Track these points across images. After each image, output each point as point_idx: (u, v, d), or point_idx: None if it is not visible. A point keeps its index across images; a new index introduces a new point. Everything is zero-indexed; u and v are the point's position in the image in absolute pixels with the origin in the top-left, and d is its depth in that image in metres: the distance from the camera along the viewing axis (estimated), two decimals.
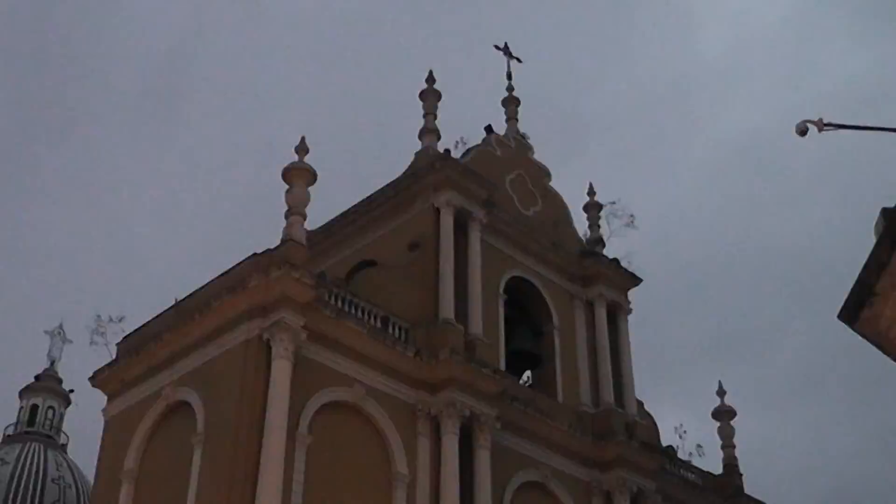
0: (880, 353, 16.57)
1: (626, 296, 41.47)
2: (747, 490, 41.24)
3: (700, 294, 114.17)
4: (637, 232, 43.71)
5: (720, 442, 42.60)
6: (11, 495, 60.77)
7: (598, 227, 42.88)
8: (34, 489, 61.29)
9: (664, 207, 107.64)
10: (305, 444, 29.03)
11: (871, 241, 15.26)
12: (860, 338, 16.52)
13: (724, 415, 42.97)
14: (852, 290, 15.63)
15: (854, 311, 15.84)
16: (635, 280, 41.76)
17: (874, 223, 15.31)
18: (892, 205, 14.55)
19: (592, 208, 43.45)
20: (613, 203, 43.05)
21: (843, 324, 16.35)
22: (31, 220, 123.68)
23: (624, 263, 41.46)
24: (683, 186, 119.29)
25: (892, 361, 16.32)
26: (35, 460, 62.90)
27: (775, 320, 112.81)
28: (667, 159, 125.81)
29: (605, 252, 41.60)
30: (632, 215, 42.45)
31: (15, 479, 61.44)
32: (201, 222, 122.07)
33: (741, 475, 41.62)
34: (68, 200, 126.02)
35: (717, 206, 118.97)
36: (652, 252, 70.52)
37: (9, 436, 65.72)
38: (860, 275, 15.31)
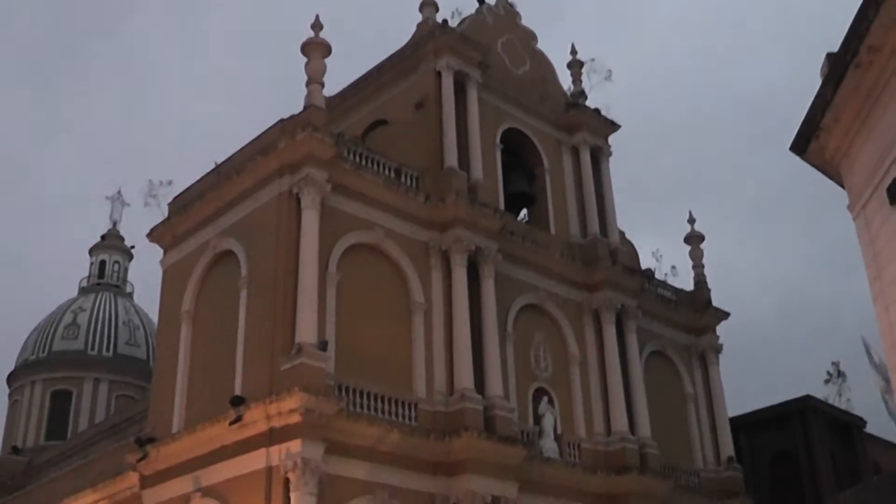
0: (827, 179, 16.60)
1: (607, 140, 41.16)
2: (714, 303, 41.74)
3: (673, 136, 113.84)
4: (614, 85, 43.08)
5: (691, 263, 42.89)
6: (90, 337, 62.09)
7: (580, 82, 42.21)
8: (109, 331, 62.54)
9: (638, 63, 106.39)
10: (335, 280, 29.32)
11: (819, 83, 15.11)
12: (810, 167, 16.53)
13: (694, 239, 43.21)
14: (801, 125, 15.57)
15: (803, 144, 15.82)
16: (614, 126, 41.39)
17: (820, 67, 15.14)
18: (835, 51, 14.36)
19: (574, 66, 42.73)
20: (593, 60, 42.33)
21: (795, 155, 16.34)
22: (90, 103, 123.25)
23: (604, 113, 41.05)
24: (655, 44, 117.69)
25: (838, 186, 16.34)
26: (107, 307, 63.93)
27: (738, 156, 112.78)
28: (640, 20, 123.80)
29: (587, 103, 41.11)
30: (609, 70, 41.81)
31: (92, 324, 62.69)
32: (235, 94, 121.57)
33: (709, 291, 42.03)
34: (121, 83, 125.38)
35: (685, 60, 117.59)
36: (628, 102, 69.87)
37: (83, 288, 66.78)
38: (807, 112, 15.22)
